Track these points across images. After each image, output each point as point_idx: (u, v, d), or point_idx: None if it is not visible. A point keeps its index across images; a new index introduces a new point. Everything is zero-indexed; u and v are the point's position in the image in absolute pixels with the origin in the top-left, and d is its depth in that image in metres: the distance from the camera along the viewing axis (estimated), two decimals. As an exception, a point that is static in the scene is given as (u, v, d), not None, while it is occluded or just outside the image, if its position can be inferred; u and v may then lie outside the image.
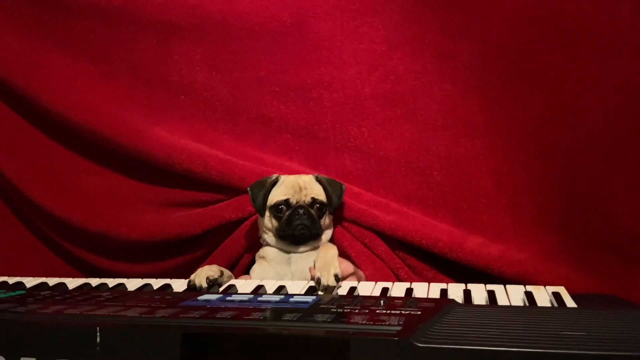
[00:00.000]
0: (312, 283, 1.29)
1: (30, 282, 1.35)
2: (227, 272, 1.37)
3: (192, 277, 1.28)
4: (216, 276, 1.28)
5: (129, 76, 1.72)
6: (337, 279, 1.24)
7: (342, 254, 1.50)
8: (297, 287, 1.27)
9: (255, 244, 1.54)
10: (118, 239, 1.68)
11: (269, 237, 1.47)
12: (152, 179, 1.72)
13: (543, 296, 1.16)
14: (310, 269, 1.35)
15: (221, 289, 1.26)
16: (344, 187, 1.49)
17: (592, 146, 1.42)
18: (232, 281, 1.34)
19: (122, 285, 1.30)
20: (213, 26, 1.63)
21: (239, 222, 1.58)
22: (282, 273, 1.44)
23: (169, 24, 1.66)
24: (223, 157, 1.60)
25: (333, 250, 1.38)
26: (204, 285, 1.25)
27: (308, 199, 1.43)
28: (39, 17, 1.76)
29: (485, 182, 1.50)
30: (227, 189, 1.59)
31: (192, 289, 1.26)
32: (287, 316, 0.90)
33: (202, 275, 1.27)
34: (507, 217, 1.50)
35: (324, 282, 1.23)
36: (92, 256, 1.78)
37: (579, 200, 1.44)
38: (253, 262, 1.52)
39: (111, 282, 1.34)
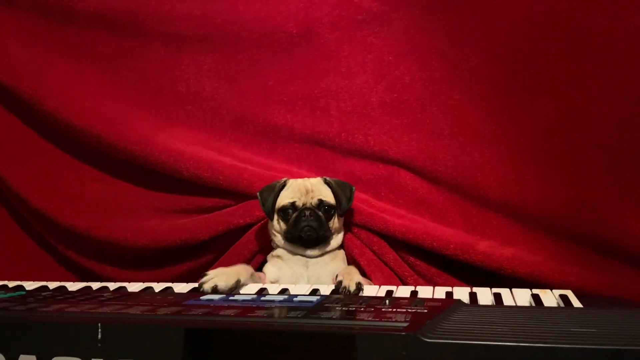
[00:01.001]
0: (317, 286, 1.28)
1: (30, 285, 1.34)
2: (247, 275, 1.33)
3: (205, 278, 1.24)
4: (223, 287, 1.22)
5: (136, 85, 1.73)
6: (359, 286, 1.21)
7: (352, 261, 1.49)
8: (301, 290, 1.25)
9: (264, 248, 1.53)
10: (123, 246, 1.67)
11: (279, 240, 1.47)
12: (157, 186, 1.72)
13: (550, 298, 1.14)
14: (332, 280, 1.34)
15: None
16: (354, 188, 1.48)
17: (601, 153, 1.41)
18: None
19: (123, 288, 1.29)
20: (221, 37, 1.65)
21: (247, 227, 1.57)
22: (298, 274, 1.43)
23: (176, 35, 1.67)
24: (231, 163, 1.60)
25: (356, 270, 1.36)
26: (208, 290, 1.21)
27: (315, 201, 1.43)
28: (47, 27, 1.77)
29: (494, 191, 1.49)
30: (234, 194, 1.59)
31: (198, 290, 1.24)
32: (292, 314, 0.89)
33: (213, 282, 1.22)
34: (517, 225, 1.48)
35: (345, 283, 1.20)
36: (95, 264, 1.76)
37: (589, 208, 1.42)
38: (264, 264, 1.51)
39: (112, 285, 1.33)
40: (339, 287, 1.21)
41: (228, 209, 1.59)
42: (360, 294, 1.21)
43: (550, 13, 1.43)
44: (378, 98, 1.57)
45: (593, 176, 1.42)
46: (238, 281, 1.26)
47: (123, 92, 1.73)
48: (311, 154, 1.61)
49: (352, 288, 1.20)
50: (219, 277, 1.24)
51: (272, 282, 1.41)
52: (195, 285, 1.30)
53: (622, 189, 1.41)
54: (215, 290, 1.21)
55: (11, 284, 1.36)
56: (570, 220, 1.43)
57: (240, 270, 1.31)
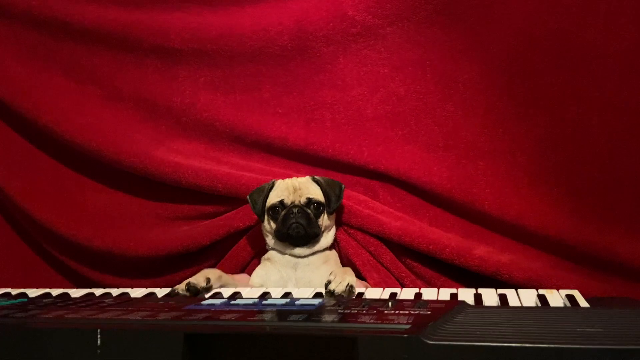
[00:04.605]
0: (320, 289, 1.25)
1: (33, 292, 1.32)
2: (224, 278, 1.33)
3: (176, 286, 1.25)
4: (200, 285, 1.23)
5: (133, 98, 1.71)
6: (351, 289, 1.19)
7: (348, 262, 1.47)
8: (304, 293, 1.23)
9: (261, 250, 1.51)
10: (125, 255, 1.65)
11: (270, 240, 1.46)
12: (158, 195, 1.69)
13: (556, 299, 1.12)
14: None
15: (226, 295, 1.23)
16: (343, 186, 1.46)
17: (596, 167, 1.39)
18: (238, 289, 1.31)
19: (126, 294, 1.27)
20: (215, 51, 1.63)
21: (247, 230, 1.55)
22: (286, 277, 1.40)
23: (171, 49, 1.65)
24: (229, 171, 1.58)
25: (351, 271, 1.34)
26: (181, 292, 1.22)
27: (303, 199, 1.41)
28: (44, 43, 1.76)
29: (490, 204, 1.45)
30: (234, 200, 1.57)
31: (170, 295, 1.24)
32: (293, 317, 0.85)
33: (184, 282, 1.23)
34: (512, 237, 1.46)
35: (332, 286, 1.18)
36: (97, 274, 1.74)
37: (585, 222, 1.39)
38: None
39: (115, 291, 1.31)
40: (327, 287, 1.18)
41: (228, 214, 1.57)
42: (351, 295, 1.18)
43: (544, 26, 1.41)
44: (373, 110, 1.54)
45: (588, 190, 1.39)
46: (208, 279, 1.26)
47: (121, 106, 1.72)
48: (305, 167, 1.59)
49: (341, 289, 1.17)
50: (188, 280, 1.24)
51: (254, 288, 1.37)
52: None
53: (618, 203, 1.38)
54: (189, 289, 1.21)
55: (14, 291, 1.35)
56: (566, 234, 1.40)
57: (207, 271, 1.31)
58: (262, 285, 1.39)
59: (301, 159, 1.59)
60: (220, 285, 1.31)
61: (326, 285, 1.20)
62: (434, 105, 1.51)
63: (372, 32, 1.54)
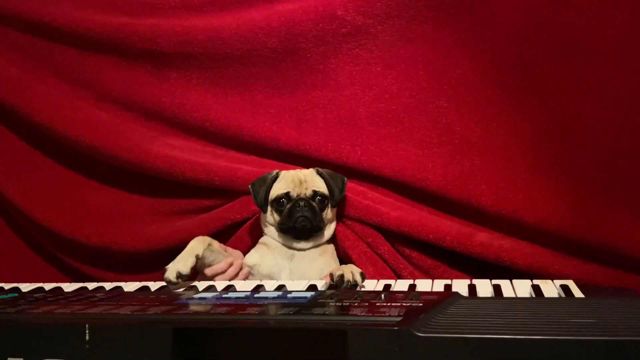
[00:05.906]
0: (313, 281, 1.23)
1: (26, 287, 1.31)
2: (204, 245, 1.31)
3: (167, 272, 1.23)
4: (187, 272, 1.21)
5: (125, 98, 1.69)
6: (363, 276, 1.18)
7: (344, 255, 1.45)
8: (298, 286, 1.22)
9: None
10: (124, 251, 1.64)
11: (271, 231, 1.42)
12: (155, 190, 1.68)
13: (551, 289, 1.11)
14: (324, 278, 1.29)
15: (220, 288, 1.21)
16: (345, 179, 1.44)
17: (594, 158, 1.36)
18: (232, 281, 1.30)
19: (119, 288, 1.26)
20: (203, 54, 1.60)
21: (244, 222, 1.53)
22: (281, 265, 1.38)
23: (159, 53, 1.63)
24: (225, 164, 1.56)
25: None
26: (173, 280, 1.20)
27: (309, 192, 1.39)
28: (35, 44, 1.74)
29: (486, 200, 1.42)
30: (231, 193, 1.55)
31: (166, 286, 1.22)
32: (284, 310, 0.84)
33: (174, 269, 1.21)
34: (509, 234, 1.43)
35: (348, 277, 1.16)
36: (95, 270, 1.73)
37: (584, 215, 1.36)
38: None
39: (108, 285, 1.30)
40: (340, 283, 1.16)
41: (224, 206, 1.55)
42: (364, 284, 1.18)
43: (536, 18, 1.37)
44: (365, 109, 1.51)
45: (587, 182, 1.36)
46: (197, 256, 1.24)
47: (113, 105, 1.70)
48: (298, 168, 1.56)
49: (358, 279, 1.16)
50: (176, 263, 1.22)
51: (248, 265, 1.37)
52: (193, 283, 1.28)
53: (617, 194, 1.34)
54: (180, 276, 1.19)
55: (8, 286, 1.34)
56: (565, 227, 1.37)
57: (195, 245, 1.29)
58: (254, 265, 1.38)
59: (294, 160, 1.57)
60: (211, 259, 1.32)
61: (340, 280, 1.18)
62: (427, 102, 1.48)
63: (363, 31, 1.51)
